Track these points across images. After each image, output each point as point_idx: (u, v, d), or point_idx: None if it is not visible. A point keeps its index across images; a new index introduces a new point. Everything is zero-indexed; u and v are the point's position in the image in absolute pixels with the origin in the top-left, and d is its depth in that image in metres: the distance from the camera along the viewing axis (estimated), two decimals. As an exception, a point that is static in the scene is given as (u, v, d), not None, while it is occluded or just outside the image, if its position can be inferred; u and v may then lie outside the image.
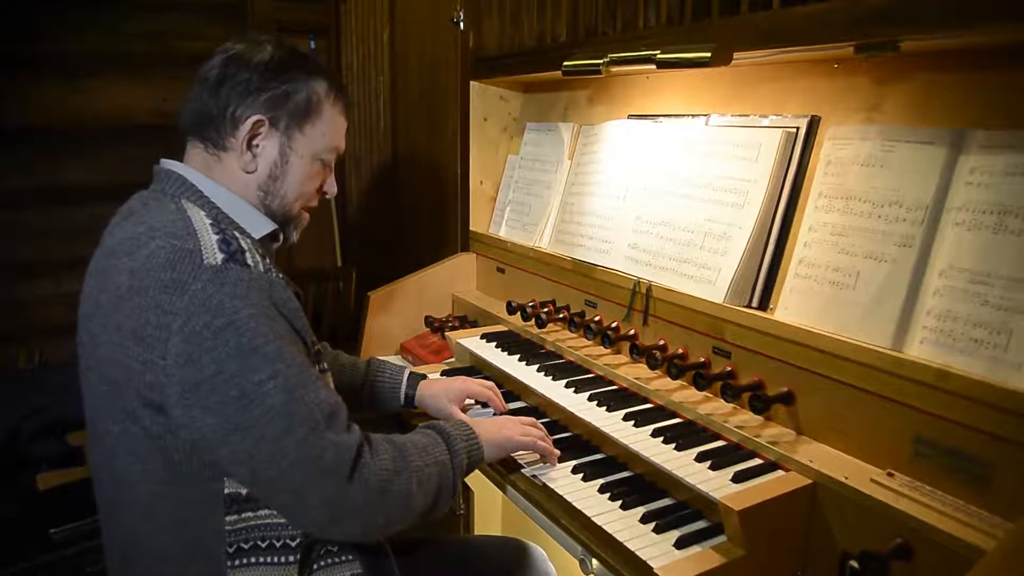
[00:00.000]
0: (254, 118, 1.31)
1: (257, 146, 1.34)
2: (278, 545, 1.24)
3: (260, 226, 1.37)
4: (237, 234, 1.25)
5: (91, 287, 1.27)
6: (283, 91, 1.33)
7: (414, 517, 1.30)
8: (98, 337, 1.22)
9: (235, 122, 1.31)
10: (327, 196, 1.49)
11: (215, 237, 1.20)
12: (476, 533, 2.32)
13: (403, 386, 1.75)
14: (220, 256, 1.17)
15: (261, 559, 1.23)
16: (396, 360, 2.31)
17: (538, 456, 1.51)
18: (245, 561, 1.22)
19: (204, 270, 1.15)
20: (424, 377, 1.79)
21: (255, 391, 1.13)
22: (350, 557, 1.31)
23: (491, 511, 2.35)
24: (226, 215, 1.31)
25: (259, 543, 1.23)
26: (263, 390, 1.14)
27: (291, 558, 1.24)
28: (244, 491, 1.22)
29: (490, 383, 1.79)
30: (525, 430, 1.50)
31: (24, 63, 3.44)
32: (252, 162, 1.34)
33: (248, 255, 1.21)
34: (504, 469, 1.53)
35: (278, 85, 1.32)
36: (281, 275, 1.27)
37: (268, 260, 1.27)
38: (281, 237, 1.43)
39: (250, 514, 1.23)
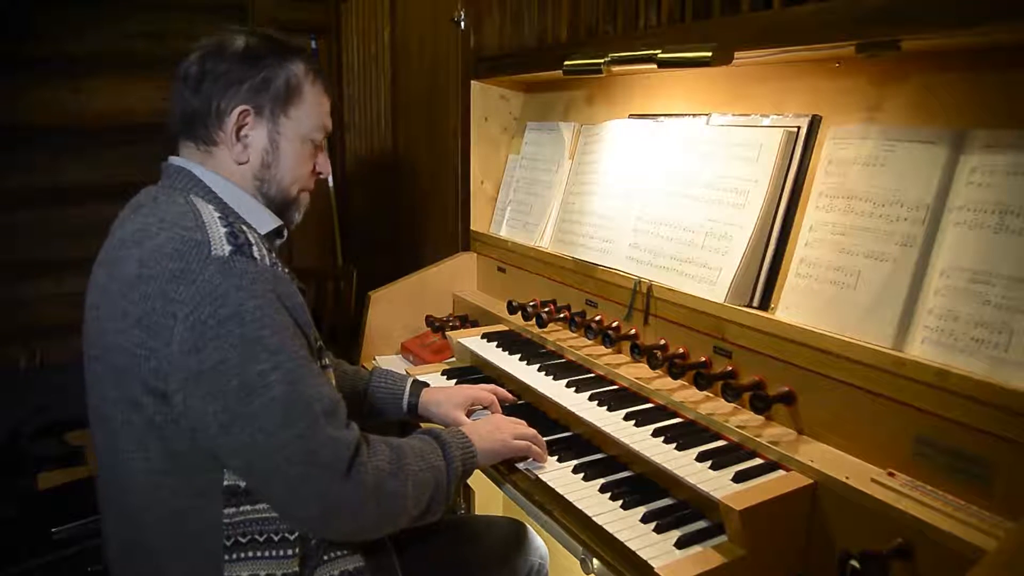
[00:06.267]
0: (239, 108, 1.32)
1: (246, 136, 1.34)
2: (276, 539, 1.24)
3: (265, 222, 1.38)
4: (245, 228, 1.26)
5: (100, 276, 1.28)
6: (262, 78, 1.33)
7: (406, 520, 1.30)
8: (104, 325, 1.23)
9: (221, 115, 1.32)
10: (321, 176, 1.48)
11: (223, 230, 1.21)
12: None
13: (406, 394, 1.75)
14: (228, 248, 1.18)
15: (258, 553, 1.23)
16: (397, 359, 2.31)
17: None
18: (242, 555, 1.22)
19: (212, 261, 1.16)
20: (427, 385, 1.78)
21: (257, 382, 1.14)
22: (349, 551, 1.31)
23: (491, 510, 2.35)
24: (233, 210, 1.32)
25: (256, 537, 1.23)
26: (264, 381, 1.14)
27: (288, 552, 1.24)
28: (243, 484, 1.22)
29: (492, 386, 1.79)
30: (520, 432, 1.51)
31: (24, 63, 3.44)
32: (244, 152, 1.35)
33: (255, 248, 1.22)
34: (504, 468, 1.53)
35: (256, 73, 1.32)
36: (287, 270, 1.28)
37: (274, 255, 1.28)
38: (285, 233, 1.44)
39: (248, 507, 1.23)
